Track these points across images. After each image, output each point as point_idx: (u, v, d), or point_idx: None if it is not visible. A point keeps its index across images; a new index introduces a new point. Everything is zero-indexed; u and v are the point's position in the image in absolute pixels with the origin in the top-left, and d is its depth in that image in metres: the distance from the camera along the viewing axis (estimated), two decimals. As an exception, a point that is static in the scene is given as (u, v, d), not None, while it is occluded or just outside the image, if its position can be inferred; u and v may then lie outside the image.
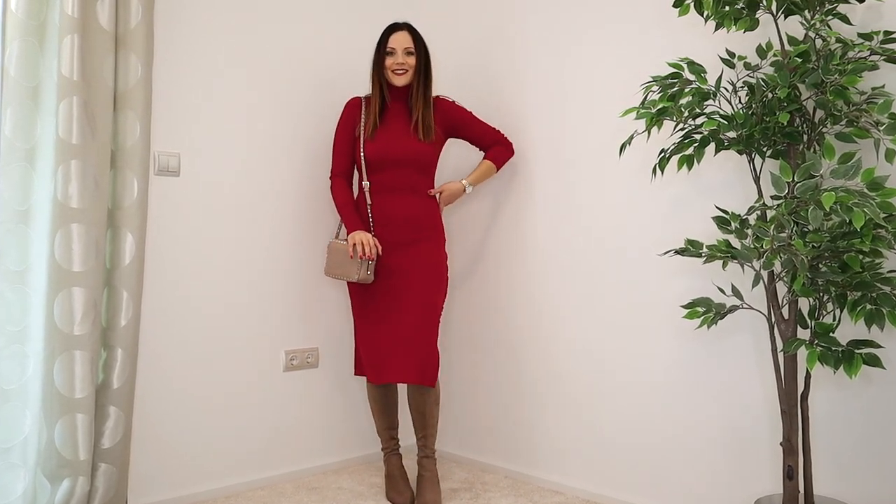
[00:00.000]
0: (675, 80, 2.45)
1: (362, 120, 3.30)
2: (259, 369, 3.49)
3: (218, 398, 3.35)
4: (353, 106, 3.36)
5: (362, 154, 3.25)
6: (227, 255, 3.37)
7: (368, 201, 3.25)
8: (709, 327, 2.41)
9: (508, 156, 3.52)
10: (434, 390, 3.26)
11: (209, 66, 3.30)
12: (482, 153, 3.51)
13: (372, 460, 3.85)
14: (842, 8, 2.39)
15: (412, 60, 3.27)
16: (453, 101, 3.42)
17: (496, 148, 3.49)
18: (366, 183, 3.25)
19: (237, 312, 3.40)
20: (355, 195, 3.36)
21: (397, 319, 3.19)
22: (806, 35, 2.31)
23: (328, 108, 3.66)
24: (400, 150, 3.25)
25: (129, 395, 2.96)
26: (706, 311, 2.42)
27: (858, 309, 2.17)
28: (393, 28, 3.30)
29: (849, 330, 2.41)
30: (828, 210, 2.01)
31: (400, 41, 3.26)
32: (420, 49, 3.30)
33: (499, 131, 3.50)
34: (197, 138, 3.27)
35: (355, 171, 3.37)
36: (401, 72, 3.26)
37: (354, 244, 3.15)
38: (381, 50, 3.28)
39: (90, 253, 2.80)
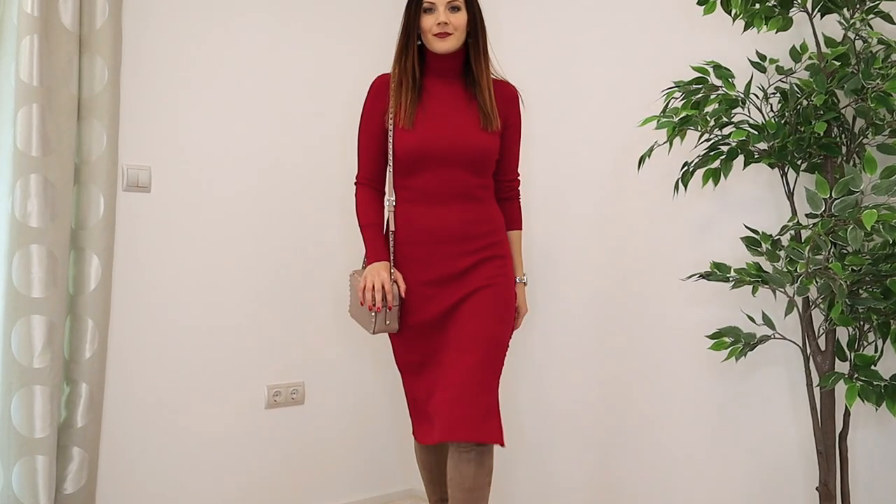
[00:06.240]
0: (700, 86, 2.45)
1: (392, 104, 2.66)
2: (239, 406, 3.46)
3: (193, 438, 3.32)
4: (380, 86, 2.70)
5: (391, 150, 2.63)
6: (203, 281, 3.35)
7: (392, 226, 2.66)
8: (737, 359, 2.40)
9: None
10: (489, 459, 2.55)
11: (184, 69, 3.30)
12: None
13: (361, 507, 3.84)
14: (884, 6, 2.37)
15: (460, 19, 2.59)
16: (518, 94, 2.78)
17: (515, 204, 2.84)
18: (389, 198, 2.69)
19: (215, 343, 3.38)
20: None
21: (451, 361, 2.56)
22: (845, 36, 2.31)
23: (321, 115, 3.67)
24: (451, 142, 2.60)
25: (94, 435, 2.95)
26: (734, 342, 2.42)
27: (904, 340, 2.17)
28: None
29: (892, 363, 2.40)
30: (869, 230, 2.01)
31: None
32: (471, 3, 2.65)
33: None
34: (170, 150, 3.26)
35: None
36: (444, 34, 2.60)
37: (364, 288, 2.58)
38: (415, 7, 2.62)
39: (51, 277, 2.80)
